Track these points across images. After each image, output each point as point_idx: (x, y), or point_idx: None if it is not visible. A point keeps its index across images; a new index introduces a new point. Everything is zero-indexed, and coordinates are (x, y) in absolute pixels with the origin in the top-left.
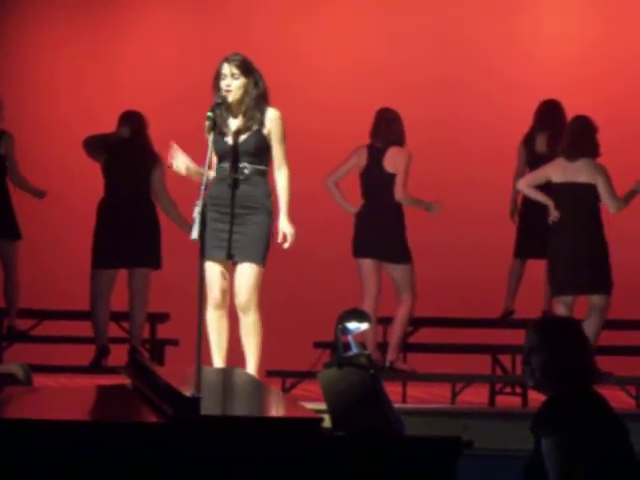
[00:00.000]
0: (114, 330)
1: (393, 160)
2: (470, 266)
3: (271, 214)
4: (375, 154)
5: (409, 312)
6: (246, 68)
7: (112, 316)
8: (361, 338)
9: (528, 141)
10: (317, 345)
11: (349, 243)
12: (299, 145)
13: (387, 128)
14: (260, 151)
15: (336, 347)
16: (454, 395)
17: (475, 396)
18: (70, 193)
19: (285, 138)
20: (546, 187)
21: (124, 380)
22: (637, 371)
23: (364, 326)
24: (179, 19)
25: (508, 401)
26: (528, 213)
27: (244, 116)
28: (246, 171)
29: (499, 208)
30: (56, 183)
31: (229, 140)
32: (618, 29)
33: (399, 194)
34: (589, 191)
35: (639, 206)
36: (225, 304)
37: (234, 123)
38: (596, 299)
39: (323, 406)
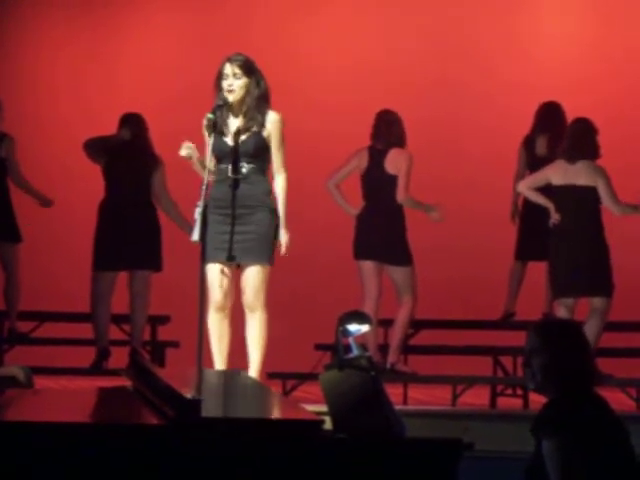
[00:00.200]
0: (115, 332)
1: (394, 162)
2: (471, 268)
3: (273, 211)
4: (376, 156)
5: (410, 314)
6: (248, 68)
7: (113, 318)
8: (362, 340)
9: (528, 143)
10: (318, 347)
11: (350, 245)
12: (299, 145)
13: (387, 130)
14: (259, 152)
15: (337, 349)
16: (455, 397)
17: (476, 398)
18: (70, 195)
19: (284, 142)
20: (546, 189)
21: (125, 382)
22: (638, 373)
23: (365, 328)
24: (179, 19)
25: (509, 403)
26: (529, 215)
27: (245, 116)
28: (244, 170)
29: (499, 209)
30: (56, 184)
31: (229, 140)
32: (618, 29)
33: (401, 196)
34: (589, 193)
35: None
36: (227, 307)
37: (234, 123)
38: (597, 301)
39: (324, 408)
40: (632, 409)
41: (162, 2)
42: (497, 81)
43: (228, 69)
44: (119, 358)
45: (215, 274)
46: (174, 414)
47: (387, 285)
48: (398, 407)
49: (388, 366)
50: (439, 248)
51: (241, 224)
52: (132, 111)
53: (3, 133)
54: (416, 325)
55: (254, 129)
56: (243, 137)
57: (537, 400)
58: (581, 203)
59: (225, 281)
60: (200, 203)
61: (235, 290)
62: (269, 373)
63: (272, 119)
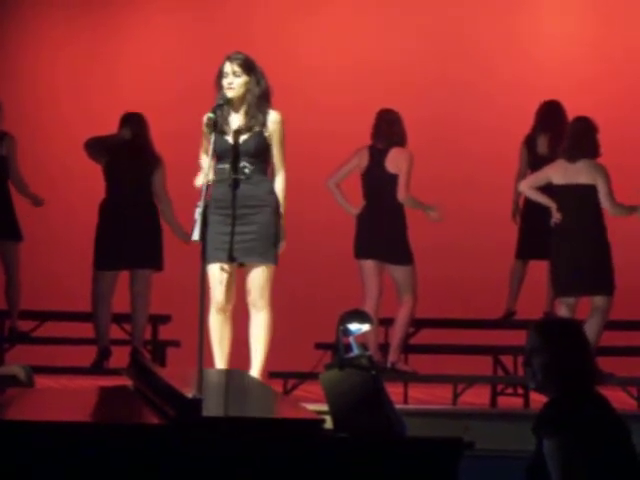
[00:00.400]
0: (116, 332)
1: (395, 161)
2: (471, 267)
3: (276, 209)
4: (377, 155)
5: (410, 313)
6: (248, 66)
7: (114, 318)
8: (362, 339)
9: (529, 142)
10: (318, 346)
11: (350, 244)
12: (299, 145)
13: (388, 129)
14: (260, 152)
15: (337, 348)
16: (455, 396)
17: (477, 397)
18: (71, 194)
19: (284, 142)
20: (548, 189)
21: (126, 381)
22: (639, 372)
23: (365, 327)
24: (179, 19)
25: (510, 402)
26: (530, 214)
27: (246, 115)
28: (247, 170)
29: (499, 208)
30: (57, 184)
31: (229, 139)
32: (618, 29)
33: (402, 195)
34: (590, 192)
35: None
36: (228, 308)
37: (235, 122)
38: (598, 300)
39: (324, 407)
40: (633, 408)
41: (162, 2)
42: (497, 81)
43: (228, 67)
44: (120, 357)
45: (216, 275)
46: (175, 414)
47: (388, 284)
48: (399, 406)
49: (389, 365)
50: (440, 247)
51: (244, 224)
52: (133, 110)
53: (4, 132)
54: (417, 324)
55: (256, 129)
56: (244, 136)
57: (538, 399)
58: (582, 202)
59: (226, 282)
60: (200, 203)
61: (237, 290)
62: (270, 372)
63: (274, 119)
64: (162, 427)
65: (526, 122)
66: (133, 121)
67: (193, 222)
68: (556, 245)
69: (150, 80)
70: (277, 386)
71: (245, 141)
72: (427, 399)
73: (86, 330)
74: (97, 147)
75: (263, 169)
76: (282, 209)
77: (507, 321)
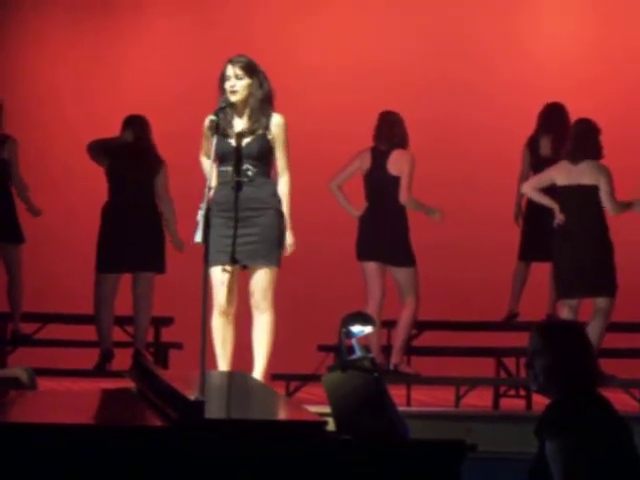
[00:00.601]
0: (118, 334)
1: (397, 163)
2: (473, 268)
3: (279, 212)
4: (379, 157)
5: (413, 315)
6: (250, 69)
7: (116, 320)
8: (365, 341)
9: (532, 144)
10: (321, 348)
11: (353, 246)
12: (299, 146)
13: (390, 131)
14: (263, 154)
15: (340, 350)
16: (458, 398)
17: (479, 399)
18: (73, 196)
19: (288, 145)
20: (551, 190)
21: (128, 384)
22: None
23: (368, 329)
24: (180, 22)
25: (512, 404)
26: (532, 216)
27: (249, 118)
28: (250, 173)
29: (501, 209)
30: (59, 186)
31: (232, 142)
32: (618, 29)
33: (404, 197)
34: (594, 193)
35: None
36: (231, 311)
37: (239, 125)
38: (601, 302)
39: (327, 409)
40: (635, 410)
41: (163, 6)
42: (497, 81)
43: (230, 71)
44: (122, 360)
45: (218, 277)
46: (177, 416)
47: (390, 286)
48: (401, 408)
49: (391, 367)
50: (442, 249)
51: (247, 226)
52: (134, 113)
53: (6, 135)
54: (419, 326)
55: (259, 132)
56: (247, 139)
57: (540, 401)
58: (585, 203)
59: (229, 284)
60: (203, 205)
61: (240, 293)
62: (272, 374)
63: (277, 122)
64: (164, 429)
65: (526, 122)
66: (136, 123)
67: (195, 224)
68: (558, 246)
69: (152, 82)
70: (280, 388)
71: (248, 144)
72: (429, 401)
73: (88, 332)
74: (100, 149)
75: (266, 172)
76: (288, 212)
77: (509, 323)
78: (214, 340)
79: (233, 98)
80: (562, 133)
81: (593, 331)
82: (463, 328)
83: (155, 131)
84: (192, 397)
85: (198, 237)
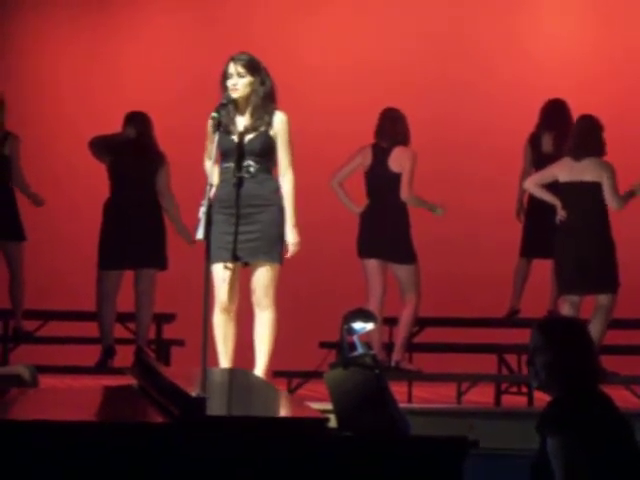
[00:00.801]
0: (120, 331)
1: (398, 160)
2: (475, 265)
3: (281, 209)
4: (380, 154)
5: (414, 312)
6: (252, 67)
7: (118, 317)
8: (366, 338)
9: (534, 141)
10: (323, 345)
11: (354, 243)
12: (300, 145)
13: (392, 128)
14: (265, 151)
15: (342, 347)
16: (460, 395)
17: (481, 396)
18: (75, 193)
19: (291, 143)
20: (553, 186)
21: (130, 381)
22: None
23: (370, 326)
24: (180, 19)
25: (514, 401)
26: (534, 212)
27: (252, 116)
28: (252, 169)
29: (502, 206)
30: (61, 183)
31: (234, 138)
32: (618, 29)
33: (405, 194)
34: (596, 190)
35: None
36: (232, 308)
37: (241, 122)
38: (603, 298)
39: (329, 406)
40: (637, 407)
41: (163, 2)
42: (497, 81)
43: (232, 68)
44: (124, 357)
45: (220, 275)
46: (179, 412)
47: (391, 283)
48: (403, 405)
49: (393, 364)
50: (443, 245)
51: (249, 223)
52: (135, 109)
53: (7, 132)
54: (421, 323)
55: (262, 129)
56: (250, 136)
57: (542, 398)
58: (588, 200)
59: (230, 281)
60: (204, 202)
61: (242, 290)
62: (274, 371)
63: (279, 119)
64: (166, 426)
65: (526, 122)
66: (137, 120)
67: (197, 221)
68: (561, 243)
69: (152, 79)
70: (281, 385)
71: (250, 140)
72: (431, 398)
73: (90, 329)
74: (101, 146)
75: (268, 168)
76: (291, 210)
77: (511, 319)
78: (216, 337)
79: (234, 95)
80: (564, 130)
81: (595, 328)
82: (465, 325)
83: (156, 127)
84: (194, 394)
85: (200, 234)
